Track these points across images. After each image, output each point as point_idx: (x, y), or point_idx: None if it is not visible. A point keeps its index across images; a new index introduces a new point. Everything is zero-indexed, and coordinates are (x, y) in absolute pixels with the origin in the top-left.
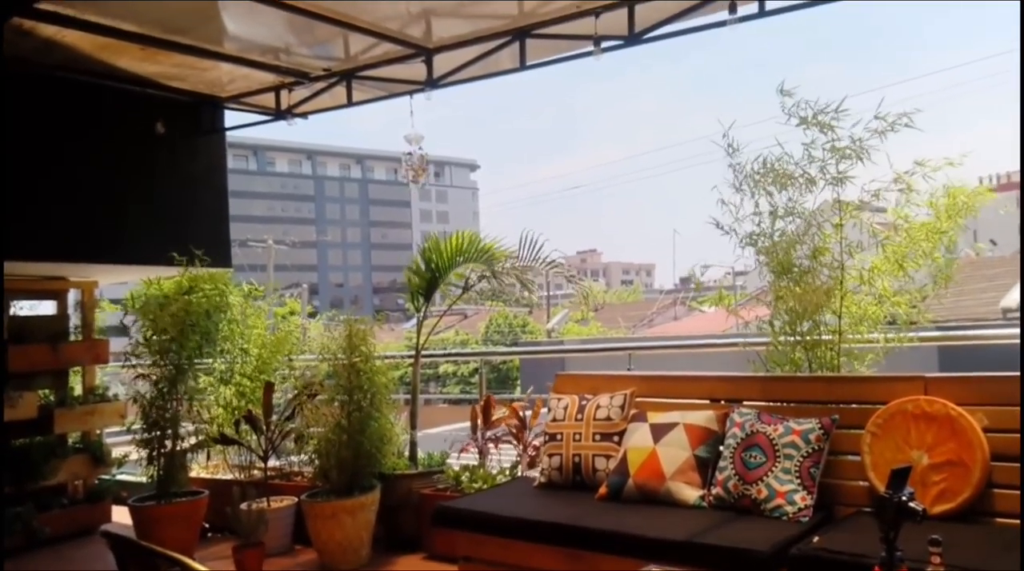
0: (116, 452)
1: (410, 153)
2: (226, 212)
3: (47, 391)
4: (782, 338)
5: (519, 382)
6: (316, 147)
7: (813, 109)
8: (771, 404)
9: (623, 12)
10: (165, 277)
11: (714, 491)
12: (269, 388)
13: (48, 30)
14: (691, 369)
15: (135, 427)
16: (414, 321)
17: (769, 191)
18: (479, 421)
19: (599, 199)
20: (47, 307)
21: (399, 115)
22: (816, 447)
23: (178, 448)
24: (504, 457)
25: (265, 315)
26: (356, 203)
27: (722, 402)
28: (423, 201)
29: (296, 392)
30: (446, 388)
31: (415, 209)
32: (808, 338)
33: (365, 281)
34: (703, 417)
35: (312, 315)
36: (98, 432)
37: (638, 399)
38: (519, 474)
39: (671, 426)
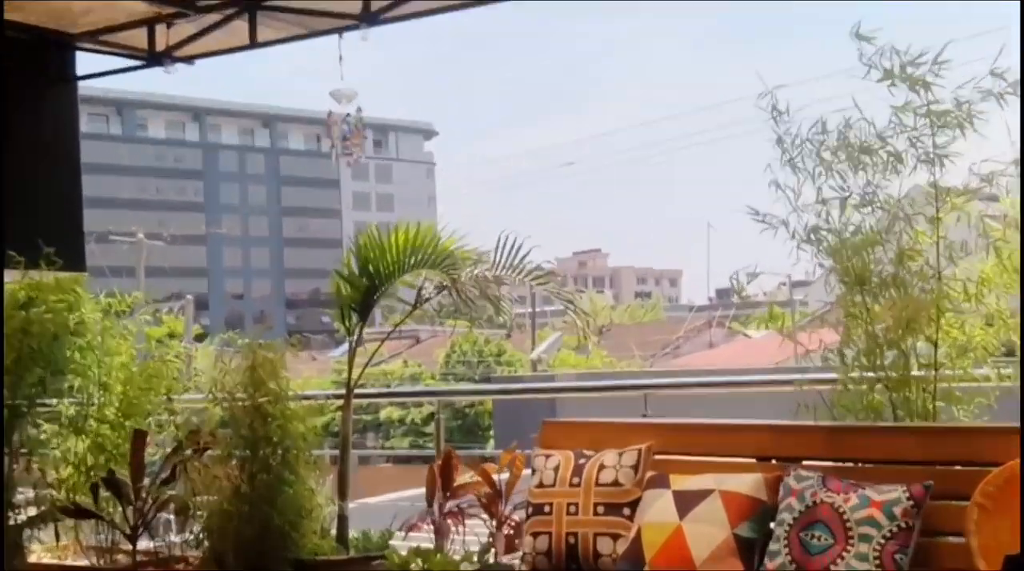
0: None
1: (340, 115)
2: (78, 193)
3: None
4: (856, 374)
5: (492, 433)
6: (207, 104)
7: (901, 59)
8: (840, 465)
9: None
10: None
11: None
12: (139, 439)
13: None
14: (731, 415)
15: None
16: (344, 347)
17: (838, 171)
18: (436, 487)
19: (603, 180)
20: None
21: (324, 62)
22: (903, 524)
23: (11, 523)
24: (471, 537)
25: (134, 338)
26: (262, 182)
27: (773, 461)
28: (357, 180)
29: (177, 445)
30: (390, 441)
31: (346, 191)
32: (892, 374)
33: (275, 291)
34: (747, 482)
35: (200, 337)
36: None
37: (657, 456)
38: (491, 561)
39: (703, 494)
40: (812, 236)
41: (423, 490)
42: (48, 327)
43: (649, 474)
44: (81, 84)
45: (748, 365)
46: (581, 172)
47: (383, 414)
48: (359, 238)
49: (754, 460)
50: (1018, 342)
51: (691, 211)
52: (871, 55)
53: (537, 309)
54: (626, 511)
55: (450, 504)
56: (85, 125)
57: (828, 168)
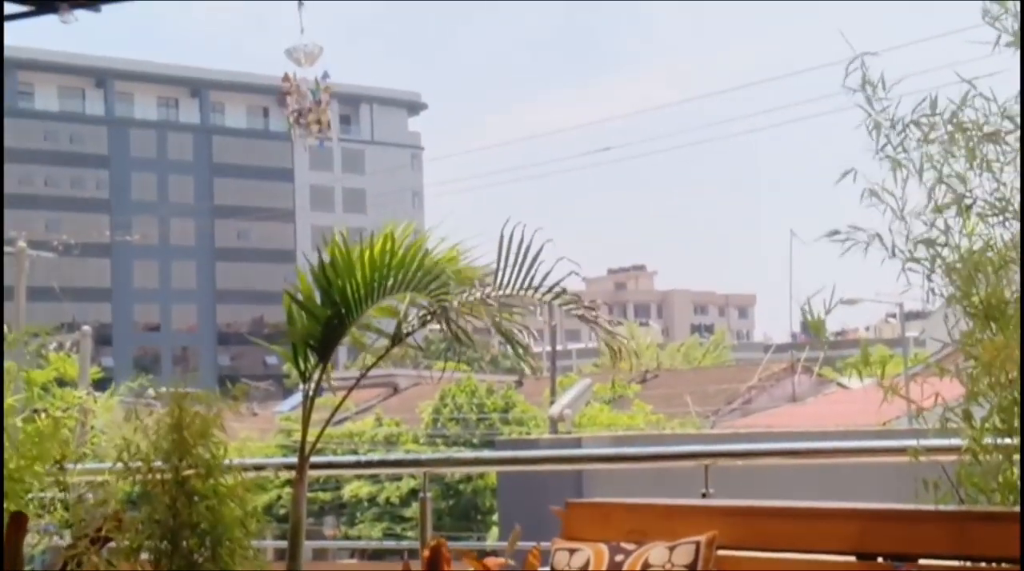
0: None
1: (302, 81)
2: None
3: None
4: (989, 440)
5: (495, 518)
6: (115, 65)
7: None
8: (972, 566)
9: None
10: None
11: None
12: (17, 524)
13: None
14: (823, 496)
15: None
16: (298, 399)
17: (952, 166)
18: None
19: (645, 173)
20: None
21: (275, 10)
22: None
23: None
24: None
25: (11, 383)
26: (188, 171)
27: (880, 559)
28: (318, 170)
29: (75, 537)
30: (356, 527)
31: (303, 185)
32: None
33: (204, 321)
34: None
35: (100, 383)
36: None
37: (722, 552)
38: None
39: None
40: (926, 251)
41: None
42: None
43: None
44: None
45: (846, 426)
46: (619, 159)
47: (347, 491)
48: (322, 251)
49: (853, 558)
50: None
51: (766, 215)
52: (999, 14)
53: (559, 347)
54: None
55: None
56: None
57: (940, 162)
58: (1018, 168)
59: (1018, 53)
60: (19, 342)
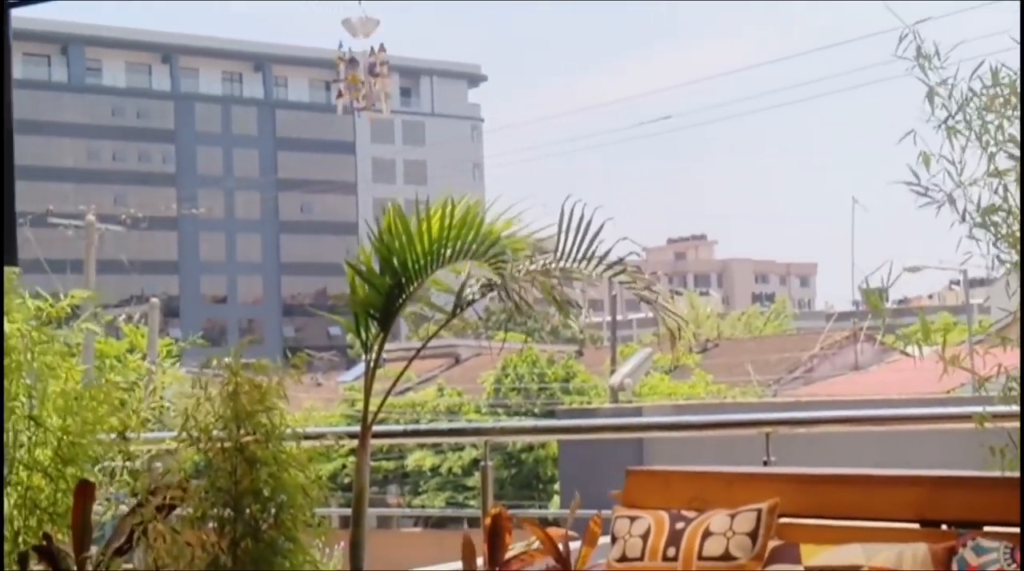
0: None
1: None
2: (8, 161)
3: None
4: None
5: (557, 487)
6: (180, 41)
7: None
8: None
9: None
10: None
11: None
12: (84, 493)
13: None
14: (886, 464)
15: None
16: (359, 369)
17: (1013, 137)
18: (482, 560)
19: (707, 142)
20: None
21: None
22: None
23: None
24: None
25: (78, 355)
26: (253, 145)
27: (943, 527)
28: (379, 142)
29: (137, 502)
30: (420, 497)
31: (364, 157)
32: None
33: (269, 293)
34: (908, 556)
35: (169, 354)
36: None
37: (784, 520)
38: None
39: None
40: (987, 219)
41: (461, 564)
42: None
43: (772, 544)
44: (14, 14)
45: (909, 394)
46: (680, 128)
47: (410, 460)
48: (381, 221)
49: (917, 525)
50: None
51: (827, 182)
52: None
53: (619, 317)
54: None
55: None
56: (19, 70)
57: (997, 129)
58: None
59: None
60: (88, 313)
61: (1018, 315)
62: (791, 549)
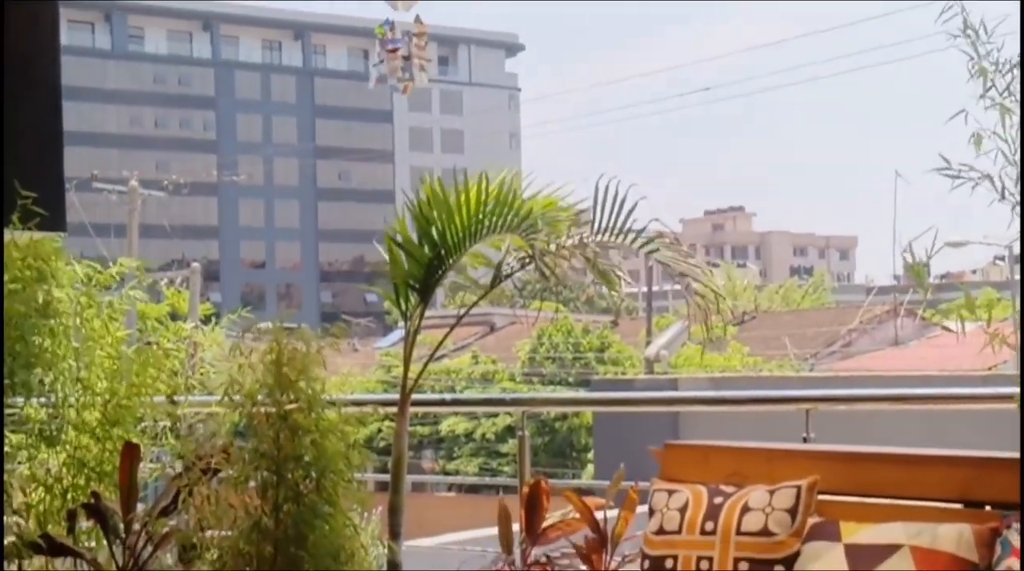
0: None
1: (392, 25)
2: (58, 127)
3: None
4: None
5: (591, 456)
6: (221, 8)
7: None
8: None
9: None
10: None
11: None
12: (131, 455)
13: None
14: (927, 442)
15: None
16: (397, 335)
17: None
18: (519, 527)
19: (746, 113)
20: None
21: None
22: None
23: None
24: None
25: (122, 318)
26: (291, 113)
27: (987, 508)
28: (417, 111)
29: (183, 466)
30: (454, 462)
31: (402, 126)
32: None
33: (307, 259)
34: (950, 536)
35: (209, 318)
36: None
37: (823, 497)
38: None
39: (887, 551)
40: None
41: (496, 530)
42: (17, 305)
43: (812, 521)
44: None
45: (951, 371)
46: (720, 100)
47: (444, 426)
48: (420, 193)
49: (960, 506)
50: None
51: (869, 155)
52: None
53: (655, 288)
54: (780, 570)
55: (536, 552)
56: (64, 36)
57: None
58: None
59: None
60: (132, 278)
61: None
62: (830, 526)
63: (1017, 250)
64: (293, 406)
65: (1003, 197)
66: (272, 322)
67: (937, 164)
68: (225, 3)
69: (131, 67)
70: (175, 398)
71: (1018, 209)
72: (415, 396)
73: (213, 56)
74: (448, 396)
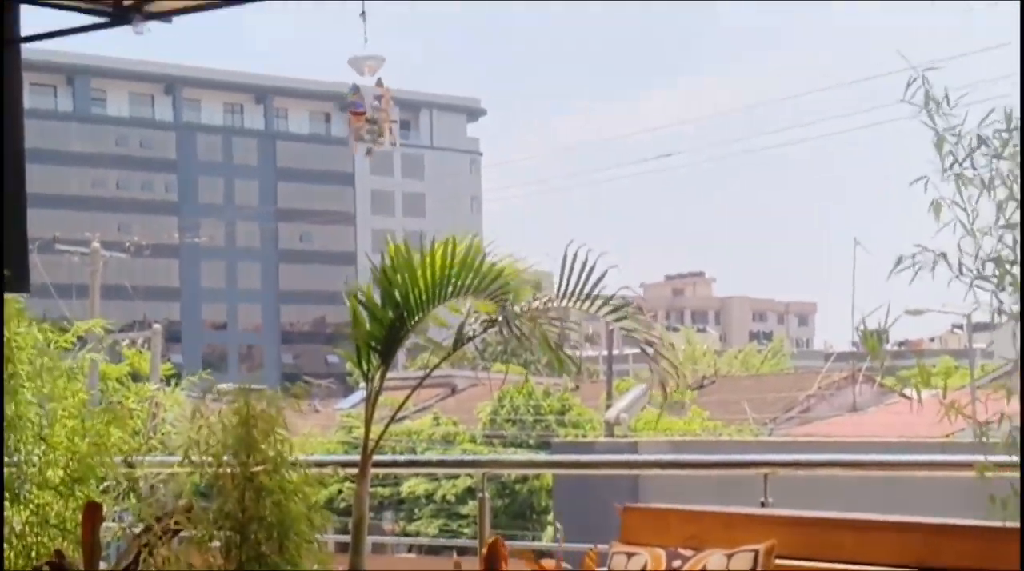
0: None
1: (357, 89)
2: (21, 190)
3: None
4: None
5: (552, 518)
6: (183, 72)
7: None
8: None
9: None
10: None
11: None
12: (93, 514)
13: None
14: (883, 509)
15: None
16: (358, 396)
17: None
18: None
19: (705, 179)
20: None
21: (337, 19)
22: None
23: None
24: None
25: (83, 377)
26: (253, 176)
27: None
28: (378, 174)
29: (144, 527)
30: (414, 523)
31: (363, 189)
32: None
33: (268, 321)
34: None
35: (170, 378)
36: None
37: (780, 561)
38: None
39: None
40: (994, 269)
41: None
42: None
43: None
44: (25, 47)
45: (908, 438)
46: (679, 168)
47: (406, 487)
48: (384, 255)
49: None
50: None
51: (830, 222)
52: None
53: (615, 352)
54: None
55: None
56: (26, 99)
57: (1011, 178)
58: None
59: None
60: (94, 339)
61: (1019, 363)
62: None
63: (975, 318)
64: (259, 468)
65: (960, 273)
66: (236, 384)
67: (896, 233)
68: (187, 67)
69: (93, 130)
70: (133, 459)
71: (976, 282)
72: (376, 457)
73: (175, 119)
74: (409, 457)
